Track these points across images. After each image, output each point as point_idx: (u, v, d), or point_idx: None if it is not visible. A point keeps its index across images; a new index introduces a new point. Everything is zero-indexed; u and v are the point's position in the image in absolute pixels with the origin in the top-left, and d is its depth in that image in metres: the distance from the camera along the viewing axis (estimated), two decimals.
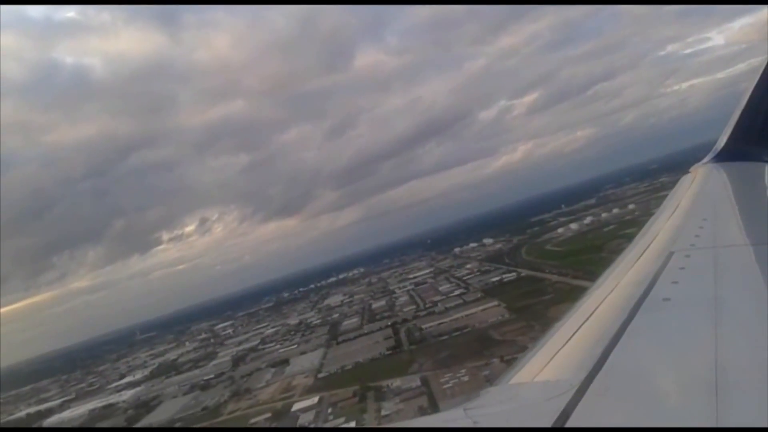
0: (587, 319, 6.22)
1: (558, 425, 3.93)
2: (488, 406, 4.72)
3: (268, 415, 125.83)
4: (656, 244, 8.00)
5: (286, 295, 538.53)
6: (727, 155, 11.07)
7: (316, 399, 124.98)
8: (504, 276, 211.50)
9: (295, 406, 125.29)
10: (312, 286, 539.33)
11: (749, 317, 5.35)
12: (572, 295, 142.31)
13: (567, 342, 5.76)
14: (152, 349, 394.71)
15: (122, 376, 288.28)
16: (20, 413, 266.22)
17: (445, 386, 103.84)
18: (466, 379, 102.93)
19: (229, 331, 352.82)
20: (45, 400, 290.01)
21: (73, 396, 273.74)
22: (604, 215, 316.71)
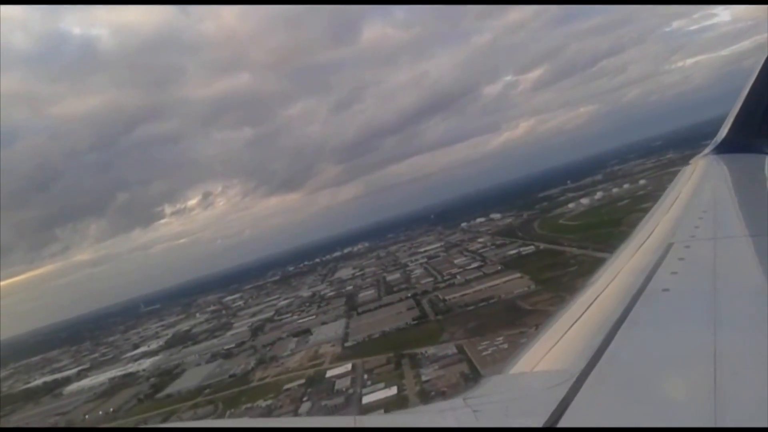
0: (587, 309, 6.27)
1: (557, 414, 4.04)
2: (488, 396, 4.85)
3: (302, 381, 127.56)
4: (656, 236, 8.02)
5: (291, 268, 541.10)
6: (727, 147, 11.17)
7: (349, 366, 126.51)
8: (521, 249, 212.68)
9: (329, 373, 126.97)
10: (317, 260, 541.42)
11: (748, 308, 5.43)
12: (593, 267, 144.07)
13: (567, 332, 5.83)
14: (161, 321, 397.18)
15: (136, 347, 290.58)
16: (36, 381, 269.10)
17: (484, 353, 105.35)
18: (505, 346, 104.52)
19: (240, 303, 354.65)
20: (59, 370, 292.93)
21: (88, 365, 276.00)
22: (615, 190, 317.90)
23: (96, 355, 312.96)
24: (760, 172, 9.97)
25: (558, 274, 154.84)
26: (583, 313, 6.19)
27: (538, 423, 3.94)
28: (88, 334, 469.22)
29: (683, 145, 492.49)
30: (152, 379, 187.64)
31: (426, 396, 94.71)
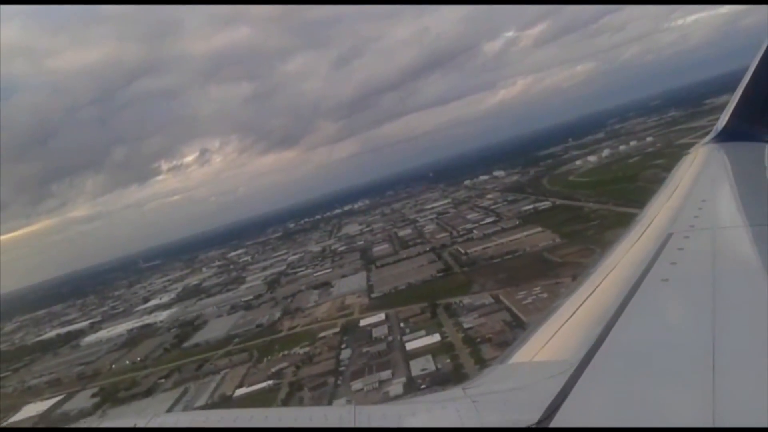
0: (586, 299, 6.26)
1: (555, 405, 4.06)
2: (487, 385, 4.94)
3: (335, 330, 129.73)
4: (655, 225, 7.98)
5: (292, 225, 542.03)
6: (727, 135, 10.81)
7: (382, 315, 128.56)
8: (537, 205, 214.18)
9: (363, 322, 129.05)
10: (318, 217, 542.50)
11: (747, 298, 5.43)
12: (622, 221, 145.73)
13: (566, 322, 5.84)
14: (166, 276, 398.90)
15: (146, 300, 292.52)
16: (49, 334, 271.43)
17: (524, 302, 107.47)
18: (545, 296, 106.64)
19: (247, 258, 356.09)
20: (69, 323, 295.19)
21: (99, 318, 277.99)
22: (622, 147, 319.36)
23: (104, 308, 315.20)
24: (760, 161, 9.71)
25: (581, 228, 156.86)
26: (583, 303, 6.16)
27: (537, 413, 3.98)
28: (90, 288, 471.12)
29: (683, 104, 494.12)
30: (173, 330, 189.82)
31: (472, 342, 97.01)
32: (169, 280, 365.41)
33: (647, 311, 5.65)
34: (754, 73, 11.19)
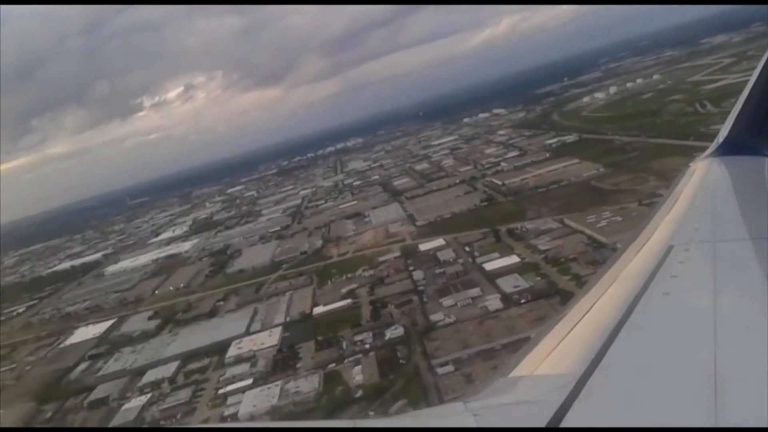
0: (587, 312, 6.24)
1: (558, 417, 4.14)
2: (489, 399, 5.00)
3: (396, 254, 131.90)
4: (656, 238, 7.95)
5: (285, 163, 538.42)
6: (727, 149, 10.62)
7: (440, 240, 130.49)
8: (560, 138, 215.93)
9: (422, 246, 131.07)
10: (311, 154, 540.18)
11: (748, 312, 5.47)
12: (661, 151, 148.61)
13: (567, 335, 5.84)
14: (165, 211, 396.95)
15: (157, 234, 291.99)
16: (61, 265, 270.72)
17: (597, 225, 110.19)
18: (618, 219, 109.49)
19: (252, 193, 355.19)
20: (78, 255, 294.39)
21: (111, 250, 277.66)
22: (629, 85, 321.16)
23: (111, 242, 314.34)
24: (760, 175, 9.73)
25: (621, 159, 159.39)
26: (584, 315, 6.16)
27: (539, 426, 4.12)
28: (82, 224, 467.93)
29: (676, 44, 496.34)
30: (205, 259, 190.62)
31: (556, 262, 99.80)
32: (171, 215, 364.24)
33: (648, 325, 5.67)
34: (754, 85, 11.23)
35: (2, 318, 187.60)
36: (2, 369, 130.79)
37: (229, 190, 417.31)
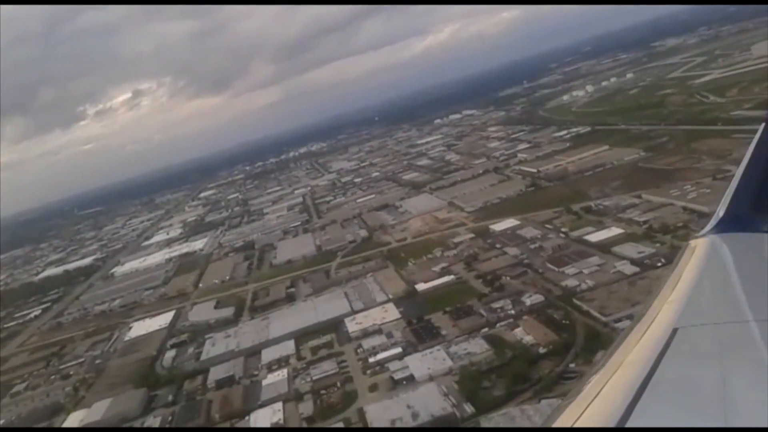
0: (594, 399, 6.03)
1: None
2: None
3: (470, 235, 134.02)
4: (660, 321, 7.75)
5: (247, 167, 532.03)
6: (727, 225, 10.41)
7: (512, 221, 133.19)
8: (569, 131, 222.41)
9: (494, 227, 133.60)
10: (273, 159, 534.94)
11: (756, 394, 5.48)
12: (692, 136, 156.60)
13: (576, 422, 5.68)
14: (136, 217, 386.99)
15: (146, 237, 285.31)
16: (52, 271, 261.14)
17: (688, 197, 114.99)
18: (705, 191, 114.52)
19: (235, 195, 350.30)
20: (61, 262, 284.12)
21: (101, 255, 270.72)
22: (604, 83, 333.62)
23: (92, 247, 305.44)
24: (762, 254, 9.72)
25: (655, 144, 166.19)
26: (589, 404, 5.92)
27: None
28: (40, 234, 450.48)
29: (626, 47, 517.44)
30: (233, 255, 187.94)
31: (666, 230, 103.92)
32: (148, 220, 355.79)
33: (658, 411, 5.53)
34: (750, 160, 11.16)
35: (21, 321, 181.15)
36: (69, 364, 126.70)
37: (201, 195, 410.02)
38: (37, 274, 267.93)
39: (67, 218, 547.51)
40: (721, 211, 10.70)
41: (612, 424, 5.24)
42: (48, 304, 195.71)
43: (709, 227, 10.55)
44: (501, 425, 62.42)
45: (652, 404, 5.55)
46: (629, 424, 5.18)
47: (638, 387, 5.84)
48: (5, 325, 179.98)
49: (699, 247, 9.94)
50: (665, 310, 7.98)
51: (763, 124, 11.51)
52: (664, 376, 6.05)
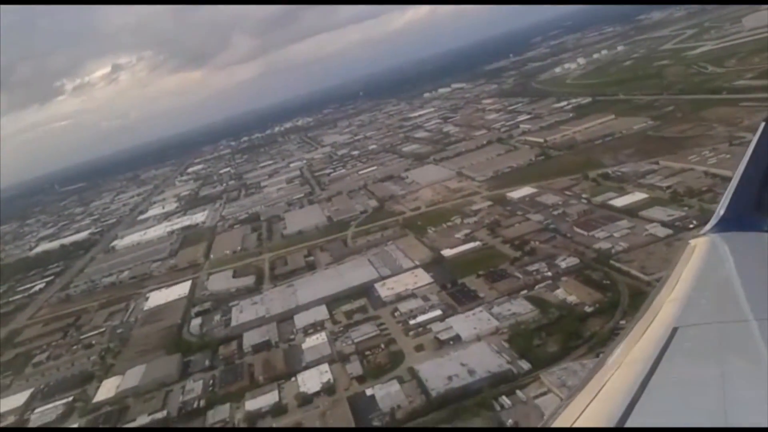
0: (593, 399, 6.08)
1: None
2: None
3: (488, 203, 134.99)
4: (660, 320, 7.75)
5: (232, 143, 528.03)
6: (727, 225, 10.40)
7: (529, 189, 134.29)
8: (569, 102, 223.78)
9: (511, 195, 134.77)
10: (258, 135, 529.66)
11: (757, 393, 5.48)
12: (700, 105, 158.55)
13: (576, 421, 5.71)
14: (124, 192, 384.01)
15: (141, 212, 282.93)
16: (45, 246, 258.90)
17: (708, 162, 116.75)
18: (724, 156, 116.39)
19: (227, 169, 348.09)
20: (55, 236, 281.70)
21: (96, 229, 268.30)
22: (596, 56, 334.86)
23: (84, 222, 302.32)
24: (762, 252, 9.71)
25: (662, 113, 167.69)
26: (589, 404, 5.97)
27: None
28: (24, 210, 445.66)
29: (611, 21, 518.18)
30: (238, 226, 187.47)
31: (692, 194, 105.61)
32: (138, 195, 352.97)
33: (658, 410, 5.56)
34: (750, 159, 11.16)
35: (26, 294, 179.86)
36: (90, 334, 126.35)
37: (190, 170, 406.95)
38: (31, 249, 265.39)
39: (48, 195, 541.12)
40: (721, 211, 10.72)
41: (612, 424, 5.31)
42: (51, 278, 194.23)
43: (709, 226, 10.61)
44: (561, 379, 63.73)
45: (652, 403, 5.61)
46: (629, 424, 5.26)
47: (638, 386, 5.90)
48: (11, 299, 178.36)
49: (699, 246, 10.03)
50: (665, 309, 8.02)
51: (762, 124, 11.40)
52: (665, 376, 6.11)
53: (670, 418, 5.45)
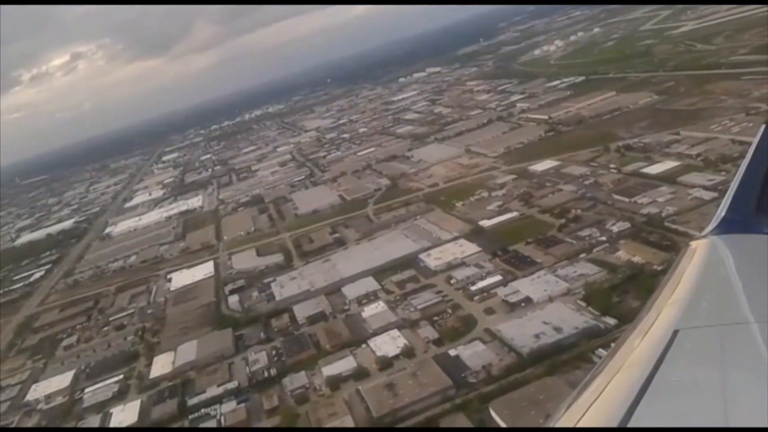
0: (594, 401, 6.06)
1: None
2: None
3: (512, 176, 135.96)
4: (661, 323, 7.60)
5: (202, 131, 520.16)
6: (728, 227, 10.15)
7: (551, 162, 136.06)
8: (562, 81, 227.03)
9: (534, 168, 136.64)
10: (227, 123, 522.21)
11: (757, 397, 5.42)
12: (701, 80, 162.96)
13: (576, 424, 5.71)
14: (99, 182, 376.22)
15: (126, 199, 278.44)
16: (30, 236, 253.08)
17: (732, 130, 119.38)
18: (747, 125, 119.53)
19: (207, 155, 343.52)
20: (35, 227, 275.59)
21: (80, 218, 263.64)
22: (572, 38, 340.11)
23: (63, 212, 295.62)
24: (763, 255, 9.53)
25: (663, 89, 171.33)
26: (590, 406, 5.93)
27: None
28: None
29: (575, 6, 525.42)
30: (243, 209, 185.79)
31: (725, 160, 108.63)
32: (115, 184, 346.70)
33: (658, 414, 5.60)
34: (751, 161, 11.01)
35: (26, 283, 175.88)
36: (117, 316, 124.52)
37: (165, 158, 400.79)
38: (13, 240, 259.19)
39: (11, 187, 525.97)
40: (722, 213, 10.47)
41: (613, 425, 5.36)
42: (48, 266, 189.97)
43: (709, 228, 10.37)
44: None
45: (653, 406, 5.65)
46: (630, 425, 5.31)
47: (639, 388, 5.91)
48: (11, 288, 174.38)
49: (700, 248, 9.85)
50: (666, 311, 7.92)
51: (763, 126, 11.24)
52: (665, 378, 6.11)
53: (672, 419, 5.53)
